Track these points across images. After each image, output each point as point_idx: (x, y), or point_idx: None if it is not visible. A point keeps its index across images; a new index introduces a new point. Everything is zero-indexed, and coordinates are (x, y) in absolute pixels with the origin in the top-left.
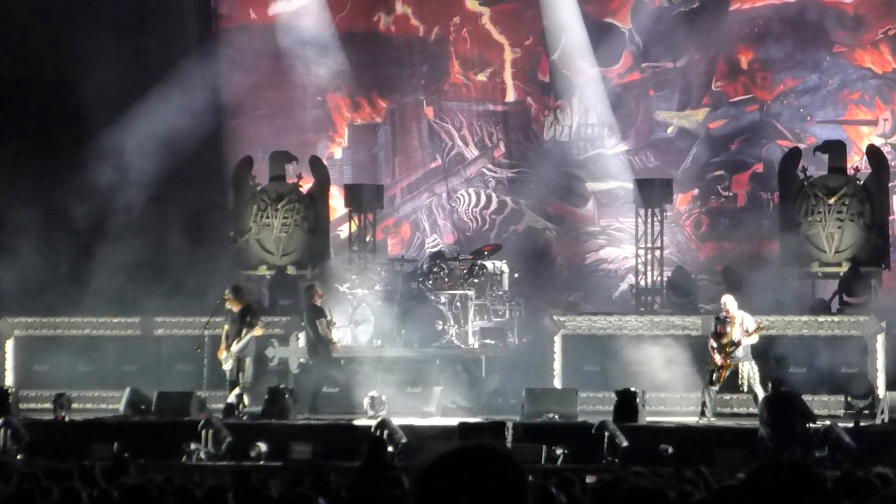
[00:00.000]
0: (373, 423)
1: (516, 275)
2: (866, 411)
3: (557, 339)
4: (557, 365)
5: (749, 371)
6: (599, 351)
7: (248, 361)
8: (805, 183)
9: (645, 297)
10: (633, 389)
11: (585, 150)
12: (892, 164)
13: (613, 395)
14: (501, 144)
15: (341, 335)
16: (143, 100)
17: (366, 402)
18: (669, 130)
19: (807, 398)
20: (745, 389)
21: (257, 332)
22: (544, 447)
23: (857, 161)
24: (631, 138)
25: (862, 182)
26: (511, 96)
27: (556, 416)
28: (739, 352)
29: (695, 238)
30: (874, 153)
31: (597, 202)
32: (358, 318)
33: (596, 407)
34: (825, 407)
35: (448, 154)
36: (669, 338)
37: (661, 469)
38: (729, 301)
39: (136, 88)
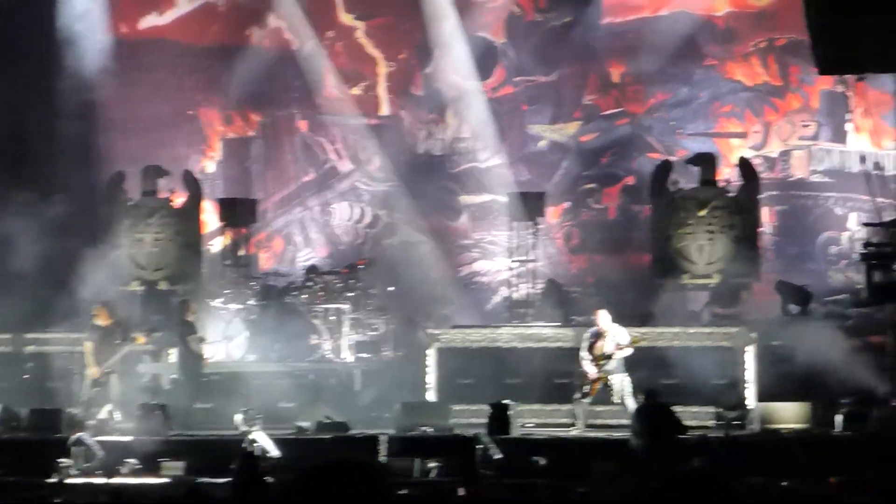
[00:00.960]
0: (246, 438)
1: (390, 289)
2: (737, 422)
3: (431, 353)
4: (431, 378)
5: (621, 383)
6: (473, 364)
7: (116, 378)
8: (676, 195)
9: (518, 309)
10: (505, 402)
11: (459, 164)
12: (763, 176)
13: (487, 408)
14: (375, 158)
15: (214, 350)
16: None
17: (238, 417)
18: (542, 144)
19: (678, 409)
20: (617, 401)
21: (139, 340)
22: (417, 461)
23: (727, 173)
24: (504, 152)
25: (733, 194)
26: (385, 110)
27: (430, 430)
28: (612, 364)
29: (567, 250)
30: (745, 165)
31: (470, 215)
32: (231, 333)
33: (470, 420)
34: (696, 418)
35: (321, 168)
36: (542, 350)
37: None
38: (602, 314)
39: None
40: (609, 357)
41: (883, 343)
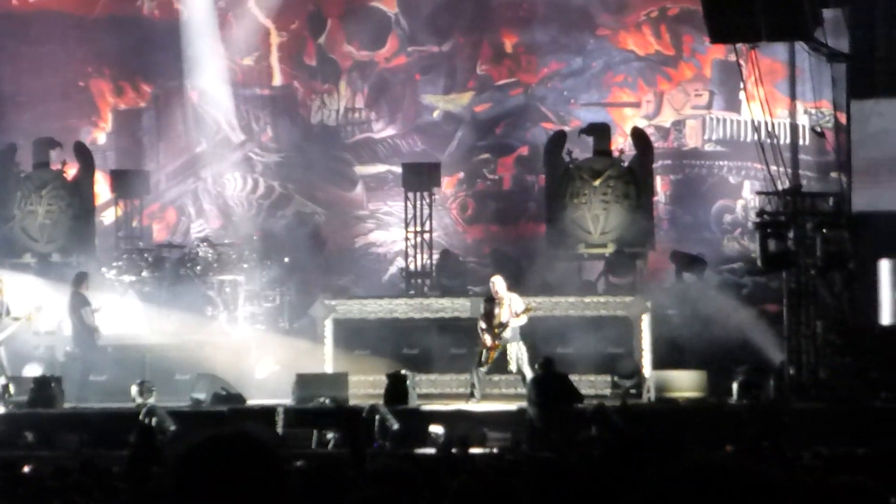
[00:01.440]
0: (141, 410)
1: (286, 259)
2: (633, 391)
3: (328, 324)
4: (328, 350)
5: (517, 352)
6: (370, 335)
7: (4, 352)
8: (570, 166)
9: (414, 280)
10: (403, 372)
11: (353, 134)
12: (657, 145)
13: (384, 379)
14: (268, 129)
15: (108, 322)
16: None
17: (134, 389)
18: (436, 114)
19: (574, 378)
20: (514, 370)
21: (30, 317)
22: (315, 432)
23: (621, 143)
24: (398, 122)
25: (627, 164)
26: (278, 80)
27: (328, 401)
28: (508, 333)
29: (462, 221)
30: (639, 135)
31: (365, 186)
32: (126, 305)
33: (367, 391)
34: (592, 387)
35: (214, 139)
36: (439, 321)
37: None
38: (498, 282)
39: None
40: (505, 325)
41: (777, 311)
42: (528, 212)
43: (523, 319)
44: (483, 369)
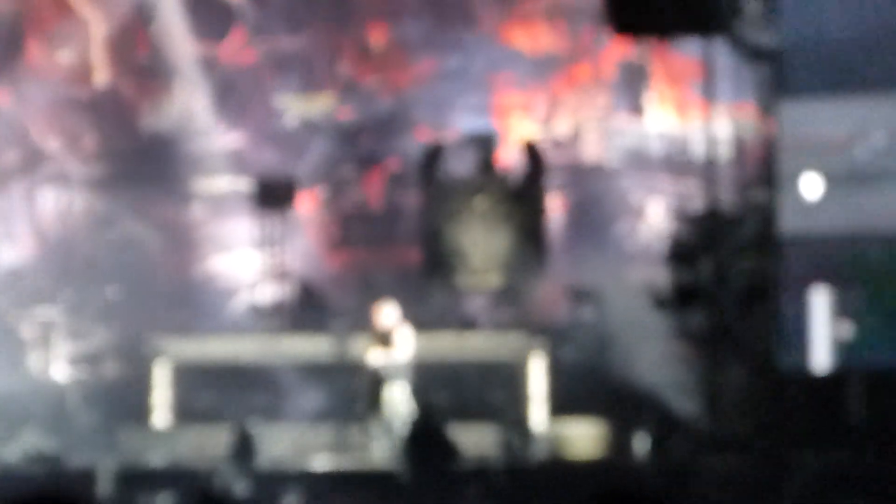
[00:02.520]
0: None
1: (111, 291)
2: (521, 447)
3: (161, 368)
4: (161, 398)
5: (399, 395)
6: (213, 380)
7: None
8: (447, 183)
9: (265, 315)
10: (249, 424)
11: (190, 144)
12: (550, 159)
13: (228, 434)
14: (88, 136)
15: None
16: None
17: None
18: (290, 120)
19: (457, 430)
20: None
21: None
22: (143, 497)
23: (508, 156)
24: (245, 129)
25: (515, 182)
26: (101, 79)
27: (158, 460)
28: (393, 371)
29: (324, 245)
30: (529, 149)
31: (205, 205)
32: None
33: (209, 448)
34: (478, 440)
35: (24, 147)
36: (297, 363)
37: None
38: (386, 311)
39: None
40: (392, 361)
41: (689, 355)
42: (400, 235)
43: (406, 355)
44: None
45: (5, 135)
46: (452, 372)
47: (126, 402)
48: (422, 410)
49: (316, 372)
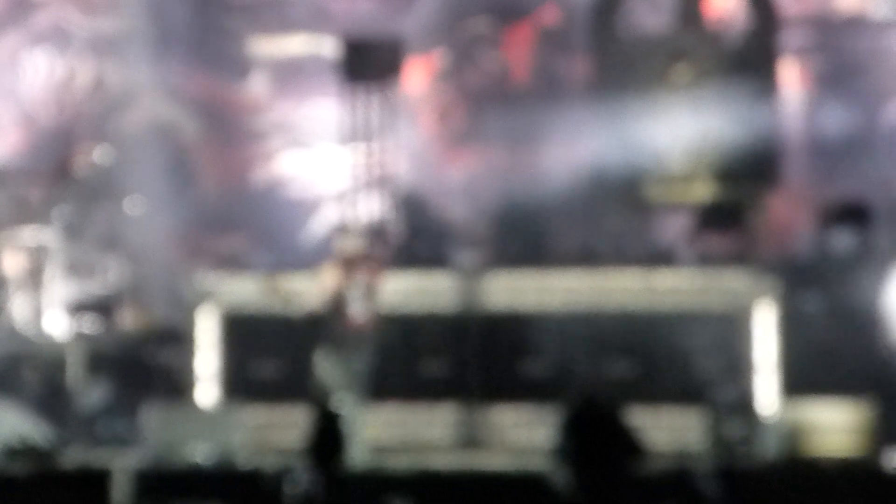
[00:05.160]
0: None
1: (130, 205)
2: (741, 441)
3: (206, 319)
4: (206, 363)
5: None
6: (279, 338)
7: None
8: (631, 44)
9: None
10: (336, 405)
11: None
12: (789, 9)
13: (304, 416)
14: None
15: None
16: None
17: None
18: None
19: (634, 420)
20: None
21: None
22: None
23: (723, 4)
24: None
25: (735, 43)
26: None
27: (203, 456)
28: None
29: (443, 139)
30: None
31: (270, 75)
32: None
33: (273, 437)
34: (672, 434)
35: None
36: (401, 314)
37: None
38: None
39: None
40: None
41: None
42: (558, 122)
43: None
44: None
45: None
46: (637, 329)
47: (153, 369)
48: (589, 385)
49: (430, 325)
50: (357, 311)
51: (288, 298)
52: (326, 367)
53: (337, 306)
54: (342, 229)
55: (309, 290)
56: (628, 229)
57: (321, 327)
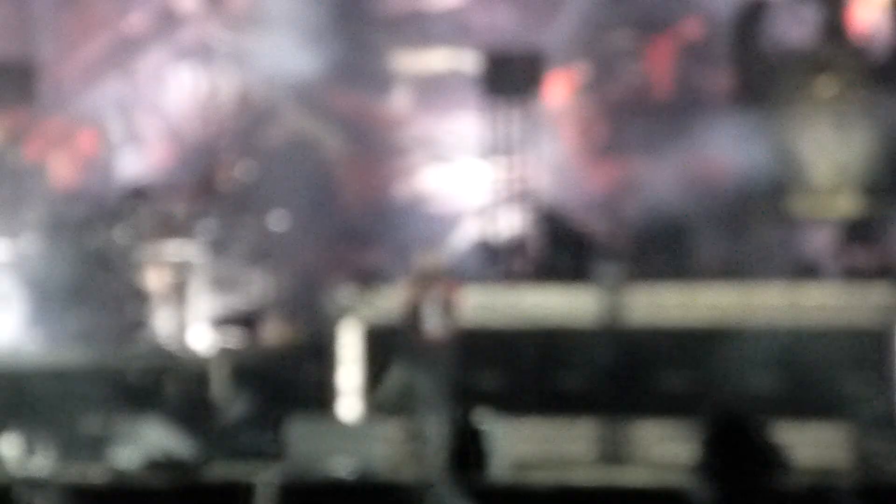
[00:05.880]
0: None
1: (275, 220)
2: (887, 456)
3: (348, 332)
4: (348, 377)
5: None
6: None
7: None
8: (775, 57)
9: (500, 257)
10: (478, 418)
11: (390, 1)
12: None
13: (447, 427)
14: None
15: None
16: None
17: (7, 445)
18: None
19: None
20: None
21: None
22: None
23: (868, 16)
24: None
25: (875, 55)
26: None
27: (346, 469)
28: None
29: (584, 152)
30: None
31: (413, 90)
32: None
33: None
34: (815, 447)
35: (152, 8)
36: (543, 327)
37: None
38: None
39: None
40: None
41: None
42: (699, 135)
43: None
44: None
45: None
46: (781, 343)
47: (296, 382)
48: (732, 400)
49: (572, 339)
50: (434, 325)
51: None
52: (401, 380)
53: (414, 321)
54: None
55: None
56: (772, 243)
57: (400, 341)
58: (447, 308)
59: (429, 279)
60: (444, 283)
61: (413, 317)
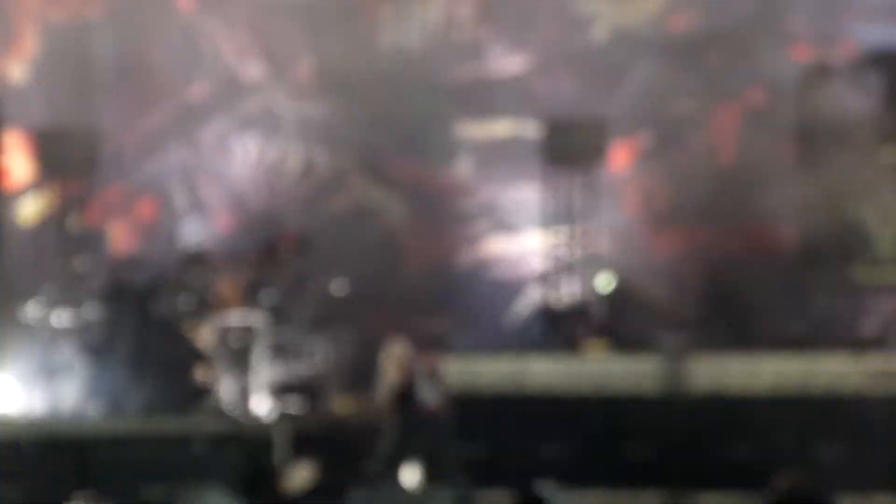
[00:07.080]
0: None
1: (338, 286)
2: None
3: None
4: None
5: None
6: (484, 419)
7: None
8: (838, 123)
9: (563, 324)
10: (539, 490)
11: (453, 68)
12: None
13: (509, 498)
14: (305, 58)
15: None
16: None
17: None
18: (599, 33)
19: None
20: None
21: None
22: None
23: None
24: (534, 46)
25: None
26: None
27: None
28: None
29: (646, 220)
30: None
31: (476, 159)
32: (55, 366)
33: None
34: None
35: (216, 75)
36: (606, 398)
37: None
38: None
39: None
40: None
41: None
42: (760, 206)
43: None
44: None
45: (189, 57)
46: (847, 413)
47: (362, 450)
48: (797, 470)
49: (635, 408)
50: (427, 398)
51: None
52: (399, 453)
53: (403, 397)
54: None
55: (512, 372)
56: (837, 311)
57: (394, 418)
58: (434, 381)
59: (408, 359)
60: (425, 360)
61: (402, 393)
